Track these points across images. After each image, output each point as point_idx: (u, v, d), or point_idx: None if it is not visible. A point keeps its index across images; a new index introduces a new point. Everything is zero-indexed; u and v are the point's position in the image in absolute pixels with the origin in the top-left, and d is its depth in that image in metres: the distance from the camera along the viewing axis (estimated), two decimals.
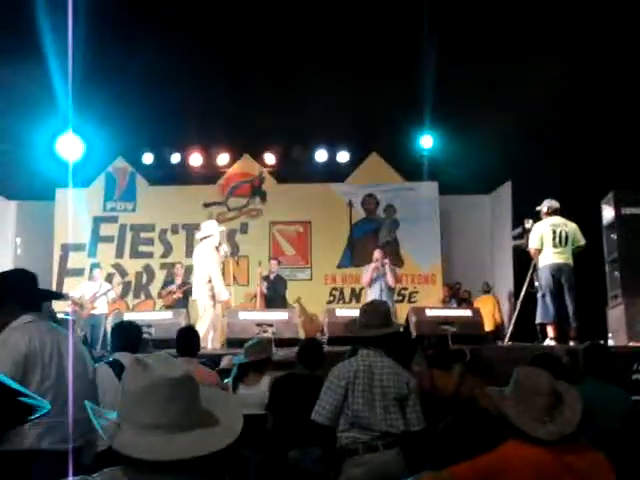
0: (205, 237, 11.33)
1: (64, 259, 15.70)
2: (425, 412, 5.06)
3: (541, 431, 3.00)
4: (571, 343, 9.50)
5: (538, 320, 10.04)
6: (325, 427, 4.74)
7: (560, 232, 9.95)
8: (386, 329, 4.96)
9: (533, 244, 10.17)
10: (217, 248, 11.24)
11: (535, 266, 10.34)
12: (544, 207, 10.20)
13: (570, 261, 9.99)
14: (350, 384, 4.73)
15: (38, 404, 2.54)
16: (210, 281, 10.95)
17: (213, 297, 10.96)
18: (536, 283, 10.32)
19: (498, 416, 3.17)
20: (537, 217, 10.37)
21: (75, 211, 14.93)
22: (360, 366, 4.77)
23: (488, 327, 13.58)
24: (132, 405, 1.95)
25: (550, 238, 9.95)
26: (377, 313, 5.05)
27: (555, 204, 10.19)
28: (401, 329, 4.93)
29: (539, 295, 10.04)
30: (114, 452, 1.93)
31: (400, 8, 12.03)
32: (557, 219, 10.10)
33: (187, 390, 1.98)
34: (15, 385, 2.55)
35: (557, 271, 9.91)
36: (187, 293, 12.75)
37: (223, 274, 11.53)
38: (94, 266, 14.37)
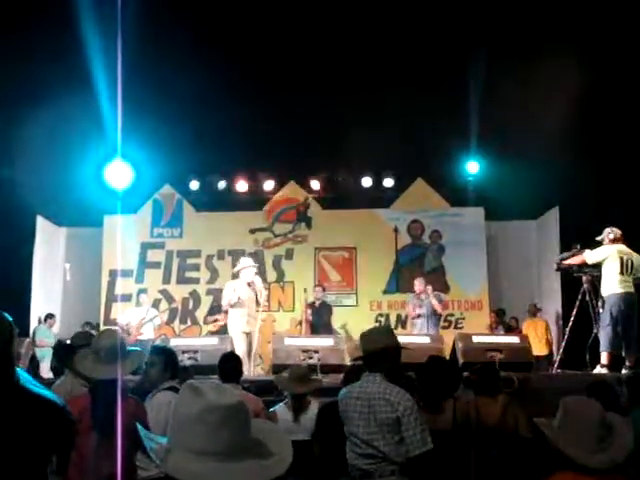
0: (239, 270, 11.56)
1: (112, 285, 15.84)
2: (468, 440, 5.01)
3: (592, 460, 2.95)
4: (623, 371, 9.32)
5: (608, 349, 9.69)
6: None
7: (627, 261, 9.76)
8: (373, 353, 4.80)
9: (592, 257, 9.99)
10: (248, 283, 11.34)
11: (597, 293, 10.14)
12: (610, 234, 9.97)
13: (634, 290, 9.80)
14: (343, 410, 4.75)
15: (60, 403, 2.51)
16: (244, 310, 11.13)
17: (242, 329, 11.08)
18: (600, 310, 10.09)
19: (545, 446, 3.12)
20: (584, 243, 10.24)
21: (123, 237, 15.10)
22: (353, 393, 4.75)
23: (542, 351, 13.44)
24: (184, 430, 1.95)
25: (618, 265, 9.73)
26: (366, 339, 4.95)
27: (618, 231, 10.01)
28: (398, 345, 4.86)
29: (606, 324, 9.76)
30: (166, 476, 1.93)
31: (446, 33, 12.04)
32: (623, 247, 9.92)
33: (239, 418, 1.97)
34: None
35: (625, 300, 9.68)
36: None
37: (268, 300, 11.66)
38: (140, 292, 14.50)
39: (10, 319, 2.52)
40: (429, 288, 12.35)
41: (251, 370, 10.79)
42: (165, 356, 5.61)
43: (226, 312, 13.02)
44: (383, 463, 4.55)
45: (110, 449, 4.37)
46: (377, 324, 15.32)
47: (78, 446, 4.41)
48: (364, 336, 4.99)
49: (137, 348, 5.24)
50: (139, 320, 13.29)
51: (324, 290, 13.68)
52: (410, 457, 4.50)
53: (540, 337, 13.92)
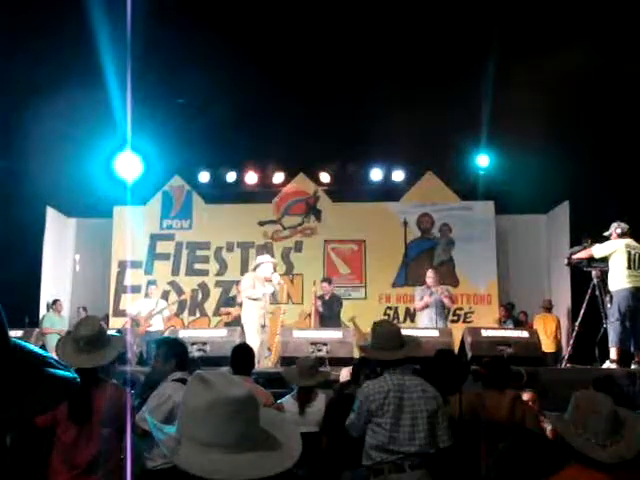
0: (257, 266, 11.56)
1: (121, 276, 15.89)
2: (477, 433, 5.02)
3: (602, 454, 2.93)
4: (633, 366, 9.29)
5: (617, 345, 9.65)
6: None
7: (635, 255, 9.72)
8: (401, 351, 5.00)
9: (600, 251, 9.95)
10: (265, 278, 11.35)
11: (606, 289, 10.10)
12: (617, 229, 9.94)
13: None
14: (379, 404, 4.75)
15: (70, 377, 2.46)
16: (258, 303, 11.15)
17: (259, 321, 11.10)
18: (608, 305, 10.05)
19: (556, 440, 3.10)
20: (595, 238, 10.20)
21: (132, 229, 15.12)
22: (390, 386, 4.78)
23: (550, 348, 13.37)
24: (193, 422, 1.94)
25: (625, 259, 9.70)
26: (389, 334, 5.09)
27: (625, 226, 9.97)
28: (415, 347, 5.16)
29: (614, 319, 9.71)
30: (174, 468, 1.92)
31: (457, 27, 11.99)
32: (631, 241, 9.88)
33: (249, 410, 1.96)
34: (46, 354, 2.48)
35: (633, 295, 9.64)
36: None
37: (274, 296, 11.73)
38: (150, 283, 14.52)
39: None
40: (439, 285, 12.31)
41: (261, 362, 10.82)
42: (167, 347, 5.61)
43: (240, 304, 13.03)
44: (414, 457, 4.62)
45: (89, 436, 4.45)
46: (385, 317, 15.34)
47: (59, 434, 4.49)
48: (384, 336, 5.05)
49: (117, 334, 5.27)
50: (148, 311, 13.32)
51: (330, 284, 13.62)
52: (439, 449, 4.69)
53: (549, 334, 13.86)
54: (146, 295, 14.24)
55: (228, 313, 13.59)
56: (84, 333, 4.65)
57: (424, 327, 11.39)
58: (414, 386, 4.81)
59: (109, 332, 5.06)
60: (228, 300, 14.48)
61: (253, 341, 10.58)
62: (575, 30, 11.59)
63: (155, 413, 4.84)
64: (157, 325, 13.34)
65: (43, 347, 11.73)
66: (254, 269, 11.66)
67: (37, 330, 11.46)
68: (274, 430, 2.03)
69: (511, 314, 14.97)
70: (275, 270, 11.83)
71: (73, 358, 4.59)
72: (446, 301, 11.95)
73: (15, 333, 9.49)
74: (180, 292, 15.72)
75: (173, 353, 5.49)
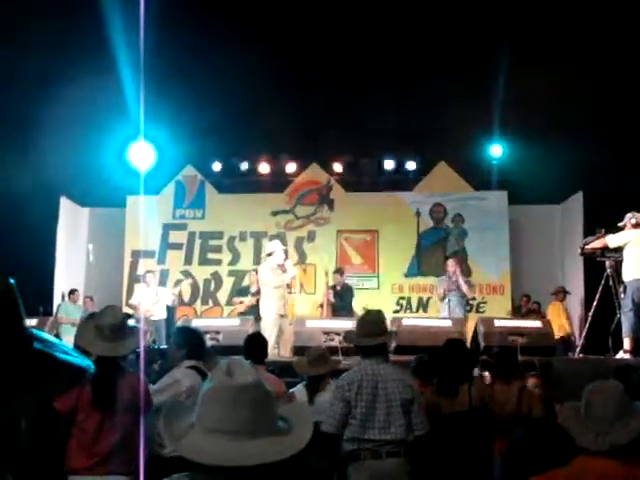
0: (268, 255, 11.57)
1: (134, 265, 15.91)
2: (488, 423, 5.03)
3: (589, 441, 2.92)
4: None
5: (631, 335, 9.59)
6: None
7: None
8: (382, 337, 5.05)
9: (614, 241, 9.91)
10: (279, 266, 11.36)
11: (619, 279, 10.06)
12: (632, 219, 9.89)
13: None
14: (354, 394, 4.78)
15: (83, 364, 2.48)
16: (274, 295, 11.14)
17: (278, 311, 11.09)
18: (622, 295, 10.01)
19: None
20: (610, 229, 10.16)
21: (145, 218, 15.14)
22: (364, 375, 4.84)
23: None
24: (200, 407, 1.96)
25: (639, 250, 9.67)
26: (372, 323, 5.15)
27: None
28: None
29: (628, 309, 9.66)
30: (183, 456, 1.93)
31: (470, 15, 11.95)
32: None
33: (253, 397, 1.96)
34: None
35: None
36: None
37: (289, 285, 11.73)
38: (147, 272, 14.35)
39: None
40: (458, 269, 12.30)
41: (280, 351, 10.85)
42: (182, 335, 5.67)
43: (254, 294, 12.99)
44: (391, 444, 4.67)
45: (112, 424, 4.47)
46: (398, 307, 15.36)
47: (79, 421, 4.52)
48: (367, 325, 5.09)
49: (135, 324, 5.30)
50: (148, 301, 13.21)
51: (342, 275, 13.60)
52: (415, 436, 4.74)
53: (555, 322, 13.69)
54: (147, 284, 14.06)
55: (241, 302, 13.58)
56: (109, 321, 4.67)
57: (437, 317, 11.39)
58: (389, 374, 4.84)
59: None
60: (241, 290, 14.47)
61: (271, 331, 10.61)
62: (588, 19, 11.53)
63: (162, 393, 4.91)
64: (160, 314, 13.26)
65: (57, 336, 11.79)
66: (268, 255, 11.67)
67: (51, 319, 11.50)
68: (284, 416, 2.03)
69: (526, 305, 14.88)
70: (286, 256, 11.86)
71: (95, 345, 4.61)
72: (464, 288, 11.94)
73: (29, 322, 9.54)
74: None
75: (186, 341, 5.53)
